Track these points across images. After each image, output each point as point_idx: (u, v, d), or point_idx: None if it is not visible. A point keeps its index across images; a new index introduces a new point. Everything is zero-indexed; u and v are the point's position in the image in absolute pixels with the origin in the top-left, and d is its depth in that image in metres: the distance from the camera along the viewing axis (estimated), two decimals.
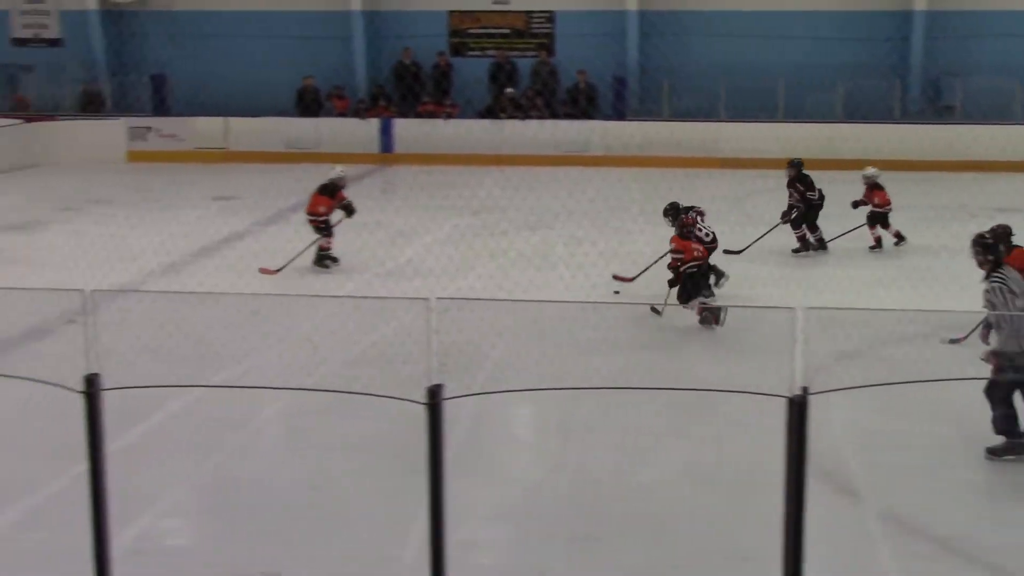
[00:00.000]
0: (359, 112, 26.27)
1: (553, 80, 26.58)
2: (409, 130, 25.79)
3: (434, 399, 5.51)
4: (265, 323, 12.02)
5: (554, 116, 25.87)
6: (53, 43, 28.50)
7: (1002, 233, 10.68)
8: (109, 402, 5.72)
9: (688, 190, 18.61)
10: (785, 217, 15.67)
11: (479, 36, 27.66)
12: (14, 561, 7.10)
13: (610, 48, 26.61)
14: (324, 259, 14.75)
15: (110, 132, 26.09)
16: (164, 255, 14.42)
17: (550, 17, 27.43)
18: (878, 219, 16.24)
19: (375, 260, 15.28)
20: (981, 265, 8.90)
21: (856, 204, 16.29)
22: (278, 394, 9.57)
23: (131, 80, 27.68)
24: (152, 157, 25.64)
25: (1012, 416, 8.53)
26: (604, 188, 17.39)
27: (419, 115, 26.12)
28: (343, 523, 7.64)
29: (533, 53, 27.22)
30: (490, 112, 26.01)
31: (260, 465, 8.79)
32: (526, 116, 25.64)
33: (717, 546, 7.32)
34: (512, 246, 15.34)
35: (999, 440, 8.60)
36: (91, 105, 27.42)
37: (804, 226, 15.76)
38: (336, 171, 15.22)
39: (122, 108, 27.26)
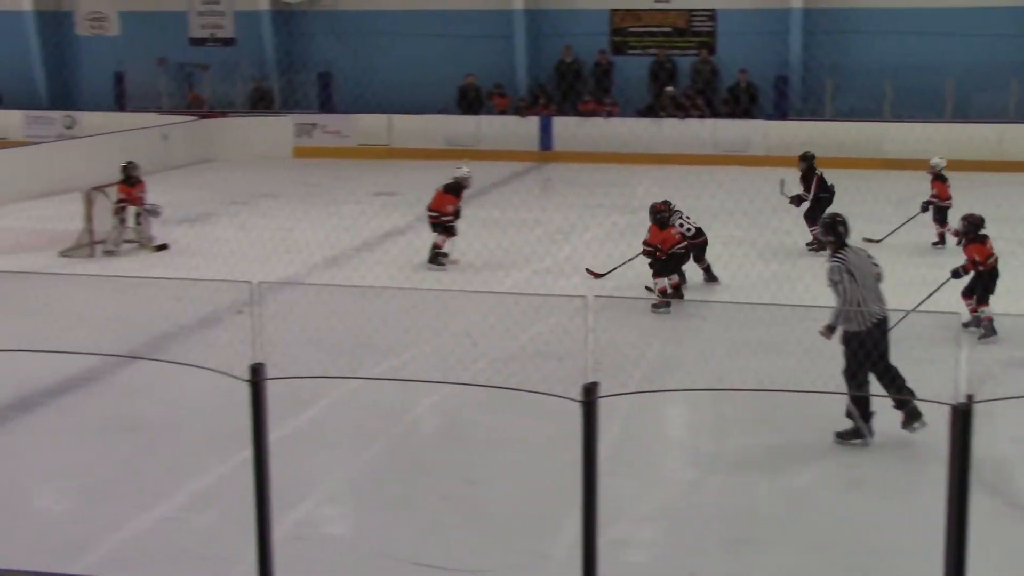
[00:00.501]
0: (519, 110, 26.45)
1: (714, 79, 26.33)
2: (568, 128, 25.87)
3: (589, 397, 5.53)
4: (424, 317, 12.23)
5: (714, 115, 25.63)
6: (227, 42, 29.43)
7: (972, 223, 11.62)
8: (273, 391, 5.88)
9: (851, 191, 18.24)
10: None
11: (640, 34, 27.56)
12: (181, 543, 7.37)
13: (773, 46, 26.23)
14: (438, 256, 14.78)
15: (278, 129, 26.82)
16: (327, 249, 14.76)
17: (712, 15, 27.17)
18: (938, 213, 15.90)
19: (534, 257, 15.38)
20: (826, 247, 9.35)
21: (926, 205, 16.19)
22: (435, 387, 9.71)
23: (299, 78, 28.40)
24: (317, 153, 26.28)
25: (864, 400, 8.70)
26: (764, 188, 17.13)
27: (579, 113, 26.17)
28: (497, 517, 7.72)
29: (694, 51, 27.00)
30: (650, 111, 25.91)
31: (417, 457, 8.94)
32: (686, 115, 25.46)
33: (874, 555, 7.18)
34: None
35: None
36: (261, 102, 28.24)
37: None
38: (462, 171, 15.18)
39: (290, 105, 28.01)
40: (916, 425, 8.51)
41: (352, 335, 10.86)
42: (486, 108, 26.83)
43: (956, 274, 11.18)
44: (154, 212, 15.69)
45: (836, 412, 9.06)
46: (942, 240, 15.83)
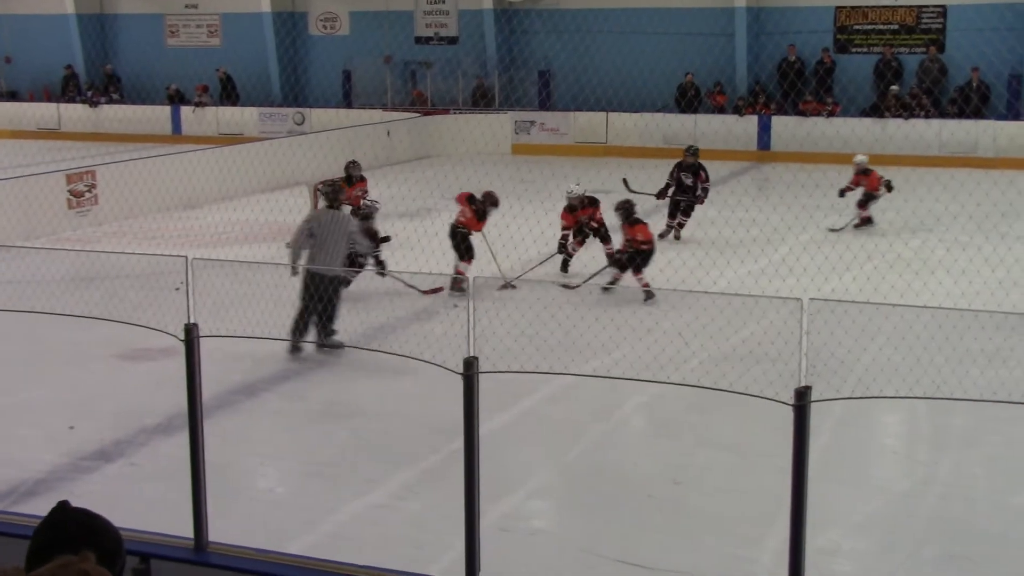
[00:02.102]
0: (738, 108, 26.15)
1: (942, 77, 25.45)
2: (788, 127, 25.46)
3: (802, 401, 5.45)
4: (636, 315, 12.25)
5: (941, 115, 24.77)
6: (451, 41, 30.06)
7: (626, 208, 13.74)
8: (485, 384, 6.00)
9: None
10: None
11: (866, 32, 26.87)
12: (393, 529, 7.59)
13: (1007, 43, 25.14)
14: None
15: (497, 125, 27.25)
16: (543, 245, 14.90)
17: (942, 11, 26.26)
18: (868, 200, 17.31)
19: (749, 256, 15.21)
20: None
21: (843, 191, 17.62)
22: (644, 386, 9.71)
23: (519, 76, 28.79)
24: (534, 150, 26.58)
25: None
26: (993, 191, 16.49)
27: (799, 113, 25.70)
28: (702, 519, 7.69)
29: (921, 49, 26.16)
30: (874, 110, 25.23)
31: (624, 454, 8.98)
32: (911, 115, 24.68)
33: None
34: (891, 248, 14.87)
35: None
36: (482, 100, 28.73)
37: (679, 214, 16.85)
38: (573, 189, 14.86)
39: (510, 103, 28.42)
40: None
41: (564, 331, 10.97)
42: (704, 106, 26.61)
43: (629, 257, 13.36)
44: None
45: None
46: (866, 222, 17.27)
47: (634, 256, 13.44)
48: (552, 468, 8.72)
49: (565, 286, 13.59)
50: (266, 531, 7.26)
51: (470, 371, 5.92)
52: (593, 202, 14.69)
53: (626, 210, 13.80)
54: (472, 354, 5.93)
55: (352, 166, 16.69)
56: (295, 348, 11.16)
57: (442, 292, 13.16)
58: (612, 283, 13.66)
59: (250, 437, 9.38)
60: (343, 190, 11.67)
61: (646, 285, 13.22)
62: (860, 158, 17.55)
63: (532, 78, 28.89)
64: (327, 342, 11.23)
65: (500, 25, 29.17)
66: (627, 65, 26.73)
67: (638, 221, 13.70)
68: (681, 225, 16.84)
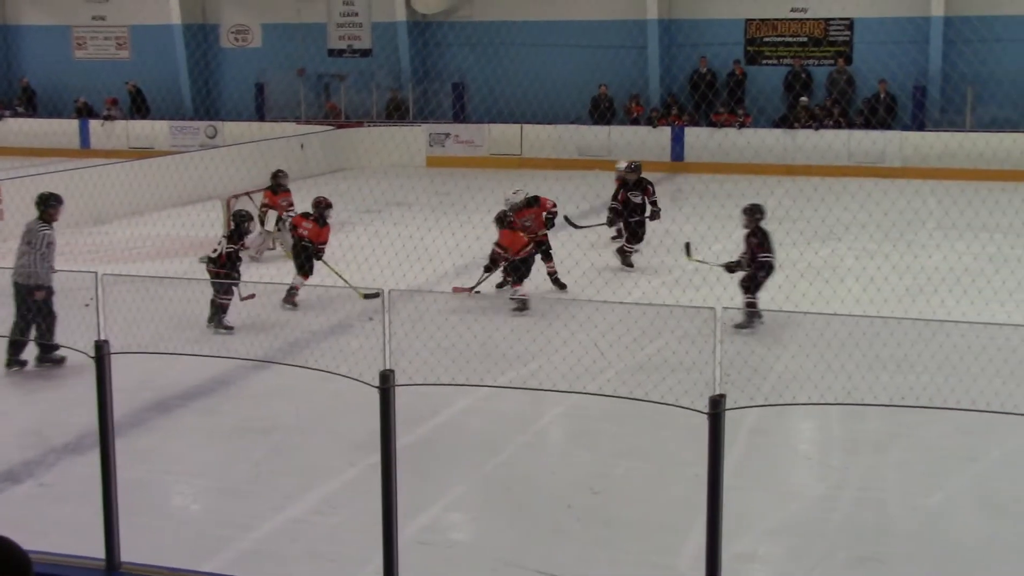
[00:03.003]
0: (651, 120, 26.39)
1: (850, 89, 25.93)
2: (700, 139, 25.76)
3: (716, 409, 5.51)
4: (552, 327, 12.29)
5: (850, 126, 25.23)
6: (365, 53, 29.98)
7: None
8: (402, 397, 5.98)
9: (989, 203, 17.82)
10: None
11: (775, 44, 27.27)
12: (310, 545, 7.53)
13: (911, 56, 25.70)
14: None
15: (412, 138, 27.23)
16: (458, 257, 14.91)
17: (849, 24, 26.75)
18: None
19: (663, 267, 15.33)
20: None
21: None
22: (562, 397, 9.76)
23: (433, 88, 28.80)
24: (449, 162, 26.59)
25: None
26: (901, 201, 16.82)
27: (712, 124, 26.02)
28: (621, 528, 7.73)
29: (830, 61, 26.62)
30: (784, 121, 25.62)
31: (543, 465, 9.00)
32: (820, 126, 25.11)
33: None
34: (802, 257, 15.07)
35: None
36: (396, 112, 28.68)
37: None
38: (517, 195, 14.55)
39: (424, 115, 28.40)
40: None
41: (480, 343, 10.97)
42: (618, 118, 26.83)
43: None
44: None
45: (973, 429, 8.89)
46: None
47: (517, 266, 13.42)
48: (470, 480, 8.71)
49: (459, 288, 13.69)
50: (180, 550, 7.16)
51: (386, 384, 5.90)
52: (532, 203, 14.57)
53: (499, 218, 13.91)
54: (388, 367, 5.92)
55: (280, 175, 16.57)
56: (12, 363, 11.11)
57: (254, 299, 12.81)
58: (502, 285, 13.91)
59: (164, 455, 9.25)
60: (56, 202, 11.38)
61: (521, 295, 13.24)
62: (621, 164, 16.90)
63: (446, 90, 28.91)
64: (47, 357, 11.20)
65: (414, 37, 29.15)
66: (541, 77, 26.84)
67: (508, 226, 13.68)
68: (633, 251, 15.85)
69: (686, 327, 11.71)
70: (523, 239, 13.67)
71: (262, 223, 16.28)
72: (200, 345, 10.91)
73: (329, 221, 14.07)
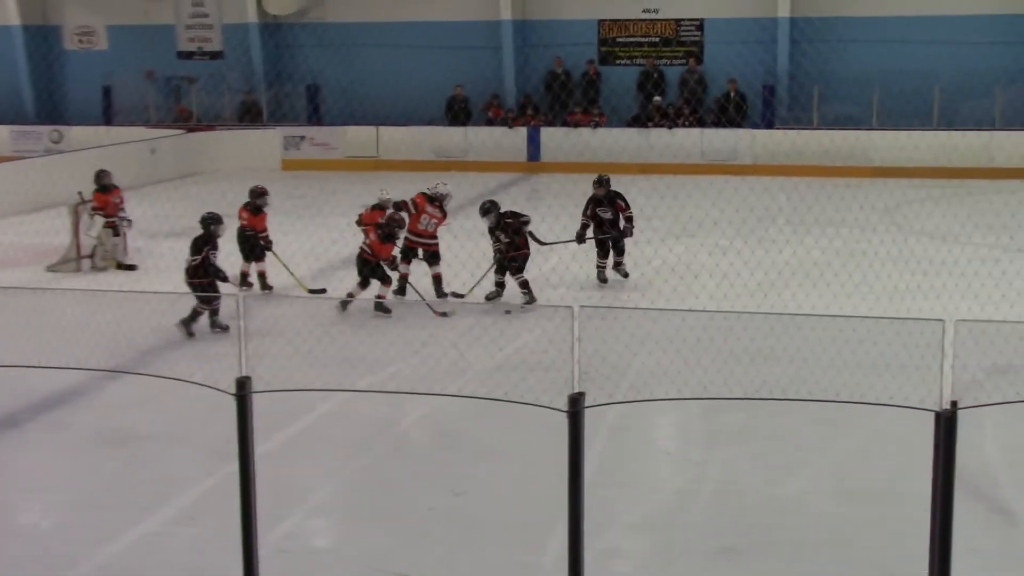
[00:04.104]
0: (507, 121, 26.50)
1: (701, 88, 26.42)
2: (556, 139, 25.94)
3: (575, 407, 5.55)
4: (411, 329, 12.24)
5: (701, 124, 25.70)
6: (215, 56, 29.45)
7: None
8: (260, 404, 5.88)
9: (835, 198, 18.33)
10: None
11: (628, 44, 27.63)
12: (168, 557, 7.36)
13: (759, 56, 26.32)
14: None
15: (266, 141, 26.84)
16: (313, 261, 14.75)
17: (699, 25, 27.25)
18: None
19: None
20: None
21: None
22: (423, 399, 9.71)
23: (287, 90, 28.45)
24: (305, 165, 26.29)
25: None
26: (751, 198, 17.20)
27: (567, 124, 26.23)
28: (484, 528, 7.72)
29: (682, 61, 27.08)
30: (637, 121, 25.97)
31: (405, 468, 8.94)
32: (673, 125, 25.53)
33: (862, 563, 7.20)
34: (656, 254, 15.28)
35: None
36: (248, 115, 28.24)
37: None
38: (445, 185, 14.31)
39: (278, 118, 28.03)
40: None
41: (339, 348, 10.86)
42: (474, 119, 26.87)
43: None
44: (125, 222, 15.76)
45: (826, 419, 9.12)
46: None
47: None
48: (332, 485, 8.61)
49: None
50: (30, 568, 6.93)
51: (243, 391, 5.80)
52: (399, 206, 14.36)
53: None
54: (244, 374, 5.81)
55: (103, 174, 16.06)
56: None
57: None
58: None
59: (13, 470, 8.94)
60: None
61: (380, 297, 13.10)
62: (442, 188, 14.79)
63: (301, 93, 28.57)
64: None
65: (266, 39, 28.73)
66: (397, 79, 26.77)
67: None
68: (619, 264, 14.75)
69: (544, 326, 11.82)
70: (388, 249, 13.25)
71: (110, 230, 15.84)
72: (49, 357, 10.56)
73: (265, 209, 14.12)
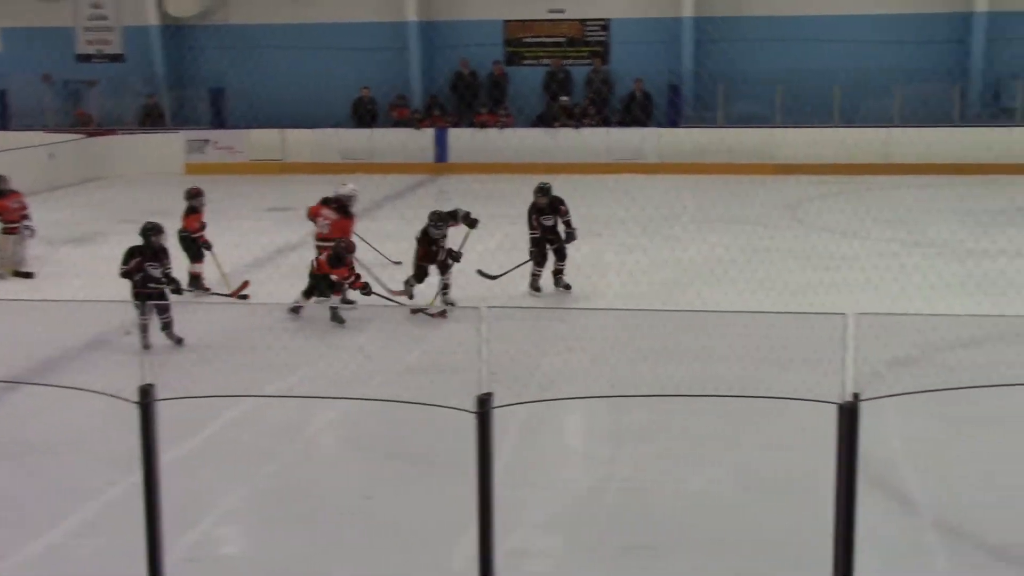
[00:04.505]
0: (413, 122, 26.43)
1: (607, 88, 26.59)
2: (463, 140, 25.94)
3: (484, 408, 5.54)
4: (318, 333, 12.14)
5: (607, 124, 25.87)
6: (115, 58, 28.99)
7: None
8: (167, 411, 5.79)
9: (740, 196, 18.57)
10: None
11: (534, 45, 27.73)
12: (71, 570, 7.21)
13: (664, 55, 26.60)
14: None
15: (169, 145, 26.47)
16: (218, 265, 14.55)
17: (605, 25, 27.45)
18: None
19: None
20: None
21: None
22: (332, 403, 9.64)
23: (189, 94, 28.08)
24: (210, 169, 25.95)
25: None
26: (656, 196, 17.37)
27: (474, 125, 26.24)
28: (394, 532, 7.68)
29: (588, 61, 27.23)
30: (544, 121, 26.06)
31: (314, 474, 8.86)
32: (579, 124, 25.66)
33: (769, 555, 7.28)
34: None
35: None
36: (150, 119, 27.82)
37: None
38: (349, 187, 14.23)
39: (181, 121, 27.65)
40: None
41: (244, 353, 10.74)
42: (380, 121, 26.76)
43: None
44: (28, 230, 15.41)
45: (732, 414, 9.21)
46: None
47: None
48: (241, 492, 8.49)
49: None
50: None
51: (147, 399, 5.71)
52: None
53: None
54: (148, 381, 5.72)
55: (0, 180, 15.69)
56: None
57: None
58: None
59: None
60: None
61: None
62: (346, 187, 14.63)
63: (203, 96, 28.20)
64: None
65: (167, 41, 28.33)
66: (301, 81, 26.59)
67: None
68: (560, 272, 14.20)
69: (452, 327, 11.81)
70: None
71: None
72: None
73: (199, 209, 14.12)
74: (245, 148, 26.66)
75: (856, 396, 5.43)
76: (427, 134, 26.17)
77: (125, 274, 11.82)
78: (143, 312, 11.41)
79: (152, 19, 28.04)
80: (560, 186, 17.82)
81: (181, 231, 14.02)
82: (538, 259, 14.03)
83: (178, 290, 12.09)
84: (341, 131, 26.30)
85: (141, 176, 24.83)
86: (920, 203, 18.33)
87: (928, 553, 7.30)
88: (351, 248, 12.78)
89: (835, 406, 5.47)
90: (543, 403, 9.47)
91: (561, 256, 14.12)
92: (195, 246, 14.05)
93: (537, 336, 10.77)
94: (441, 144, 26.13)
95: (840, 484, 5.49)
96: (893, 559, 7.17)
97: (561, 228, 14.08)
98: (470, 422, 5.56)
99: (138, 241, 11.89)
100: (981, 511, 7.87)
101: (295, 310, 12.74)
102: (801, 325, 9.59)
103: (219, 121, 27.96)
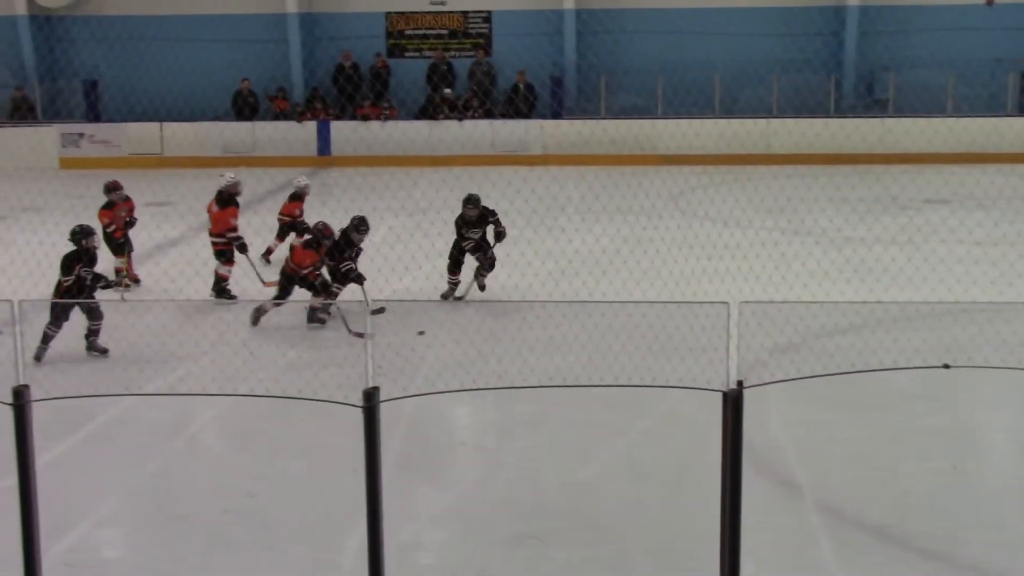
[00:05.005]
0: (294, 115, 26.12)
1: (489, 80, 26.58)
2: (346, 132, 25.69)
3: (370, 402, 5.48)
4: (200, 329, 11.91)
5: (491, 116, 25.87)
6: None
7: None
8: (43, 413, 5.62)
9: (624, 186, 18.71)
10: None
11: (416, 37, 27.59)
12: None
13: (547, 47, 26.69)
14: (225, 290, 13.52)
15: (41, 139, 25.73)
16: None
17: (487, 17, 27.42)
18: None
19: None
20: None
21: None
22: (215, 400, 9.48)
23: (61, 86, 27.35)
24: (85, 164, 25.32)
25: None
26: (540, 188, 17.40)
27: (356, 117, 26.03)
28: (282, 528, 7.57)
29: (470, 53, 27.20)
30: (427, 113, 25.96)
31: (198, 471, 8.70)
32: (463, 117, 25.62)
33: (657, 541, 7.35)
34: (448, 247, 15.28)
35: None
36: (19, 112, 27.02)
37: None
38: (227, 176, 13.99)
39: (53, 115, 26.93)
40: None
41: (123, 351, 10.49)
42: (261, 114, 26.40)
43: None
44: None
45: (619, 404, 9.28)
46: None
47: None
48: (121, 493, 8.30)
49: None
50: None
51: (21, 401, 5.53)
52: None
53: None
54: (22, 383, 5.55)
55: None
56: None
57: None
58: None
59: None
60: None
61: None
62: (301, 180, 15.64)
63: (77, 88, 27.49)
64: None
65: (36, 32, 27.52)
66: (180, 73, 26.05)
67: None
68: (483, 276, 13.46)
69: (336, 323, 11.68)
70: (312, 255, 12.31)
71: None
72: None
73: (117, 203, 14.00)
74: (122, 142, 26.07)
75: (740, 383, 5.48)
76: (309, 127, 25.87)
77: (72, 285, 11.00)
78: (60, 322, 10.79)
79: (20, 9, 27.21)
80: (443, 178, 17.81)
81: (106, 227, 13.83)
82: (452, 268, 13.38)
83: (108, 285, 11.56)
84: (221, 124, 25.85)
85: (12, 171, 24.12)
86: (799, 192, 18.66)
87: (812, 535, 7.43)
88: (328, 232, 12.38)
89: (720, 394, 5.52)
90: (431, 396, 9.41)
91: (491, 266, 13.44)
92: (114, 241, 13.87)
93: (422, 329, 10.70)
94: (323, 137, 25.86)
95: (725, 470, 5.54)
96: (779, 542, 7.28)
97: (491, 236, 13.49)
98: (358, 416, 5.49)
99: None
100: (860, 493, 8.05)
101: (256, 320, 12.11)
102: (686, 314, 9.72)
103: (94, 114, 27.28)
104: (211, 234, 13.64)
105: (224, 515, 7.77)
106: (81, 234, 11.28)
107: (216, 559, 7.17)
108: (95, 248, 11.34)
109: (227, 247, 13.45)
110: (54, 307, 10.74)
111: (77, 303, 10.77)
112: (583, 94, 26.57)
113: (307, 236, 12.67)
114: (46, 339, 10.70)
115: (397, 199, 18.18)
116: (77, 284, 11.00)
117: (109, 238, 13.86)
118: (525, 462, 8.77)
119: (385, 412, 5.51)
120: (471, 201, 13.50)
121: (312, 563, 7.12)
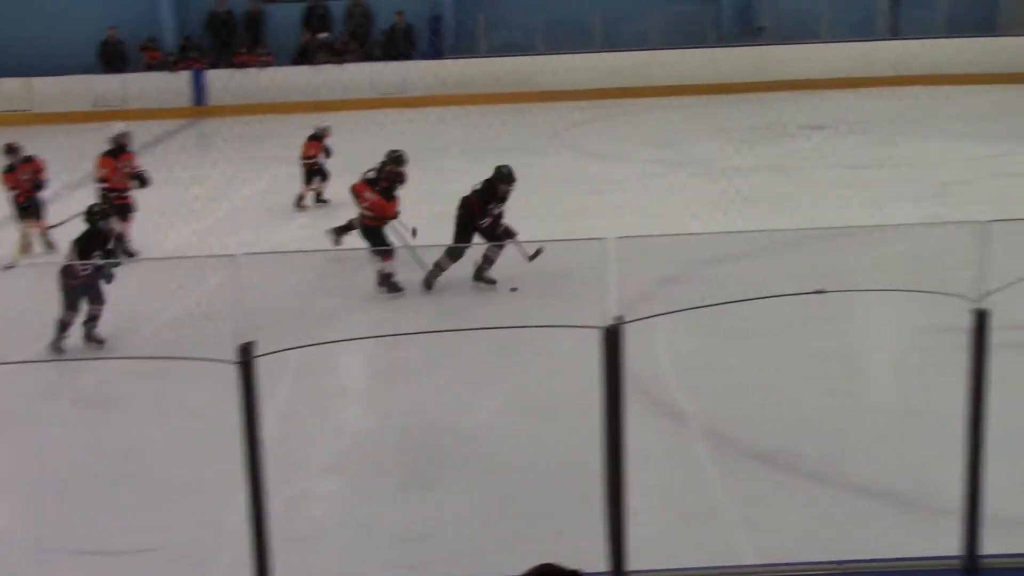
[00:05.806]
0: (168, 65, 25.44)
1: (367, 22, 26.17)
2: (222, 81, 25.10)
3: (246, 357, 5.35)
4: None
5: (370, 59, 25.50)
6: None
7: None
8: None
9: (509, 124, 18.61)
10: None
11: None
12: None
13: None
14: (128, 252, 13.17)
15: None
16: None
17: None
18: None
19: (192, 217, 14.82)
20: None
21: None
22: (92, 364, 9.25)
23: None
24: None
25: None
26: (424, 129, 17.23)
27: (233, 65, 25.43)
28: (164, 492, 7.40)
29: None
30: (305, 58, 25.49)
31: (76, 437, 8.47)
32: (342, 60, 25.22)
33: (549, 480, 7.34)
34: (331, 193, 15.08)
35: None
36: None
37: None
38: (118, 127, 13.75)
39: None
40: None
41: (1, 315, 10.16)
42: (132, 64, 25.64)
43: None
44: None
45: (505, 345, 9.25)
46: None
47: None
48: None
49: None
50: None
51: None
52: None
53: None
54: None
55: None
56: None
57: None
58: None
59: None
60: None
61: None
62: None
63: None
64: None
65: None
66: (42, 23, 25.20)
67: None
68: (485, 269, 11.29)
69: (219, 277, 11.43)
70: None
71: None
72: None
73: (16, 167, 13.62)
74: None
75: (619, 319, 5.45)
76: (183, 77, 25.22)
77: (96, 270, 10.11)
78: (77, 307, 10.00)
79: None
80: (328, 123, 17.51)
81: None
82: (456, 254, 11.19)
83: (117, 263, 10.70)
84: (91, 77, 25.07)
85: None
86: (681, 124, 18.76)
87: (698, 463, 7.50)
88: (400, 177, 11.80)
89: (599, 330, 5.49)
90: (316, 347, 9.26)
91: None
92: (18, 206, 13.45)
93: (298, 280, 10.55)
94: (199, 87, 25.24)
95: (607, 404, 5.53)
96: (667, 470, 7.34)
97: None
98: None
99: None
100: (745, 420, 8.14)
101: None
102: (568, 251, 9.71)
103: None
104: (108, 189, 13.22)
105: (104, 480, 7.59)
106: (100, 215, 10.51)
107: (99, 525, 6.99)
108: (112, 232, 10.71)
109: (126, 201, 13.22)
110: (68, 292, 10.00)
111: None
112: (462, 33, 26.30)
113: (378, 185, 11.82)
114: (64, 327, 10.04)
115: (280, 147, 17.87)
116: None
117: (14, 203, 13.44)
118: (413, 408, 8.70)
119: (269, 366, 5.39)
120: (511, 176, 11.48)
121: (196, 525, 6.95)
